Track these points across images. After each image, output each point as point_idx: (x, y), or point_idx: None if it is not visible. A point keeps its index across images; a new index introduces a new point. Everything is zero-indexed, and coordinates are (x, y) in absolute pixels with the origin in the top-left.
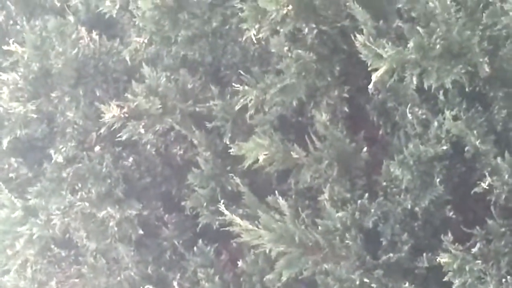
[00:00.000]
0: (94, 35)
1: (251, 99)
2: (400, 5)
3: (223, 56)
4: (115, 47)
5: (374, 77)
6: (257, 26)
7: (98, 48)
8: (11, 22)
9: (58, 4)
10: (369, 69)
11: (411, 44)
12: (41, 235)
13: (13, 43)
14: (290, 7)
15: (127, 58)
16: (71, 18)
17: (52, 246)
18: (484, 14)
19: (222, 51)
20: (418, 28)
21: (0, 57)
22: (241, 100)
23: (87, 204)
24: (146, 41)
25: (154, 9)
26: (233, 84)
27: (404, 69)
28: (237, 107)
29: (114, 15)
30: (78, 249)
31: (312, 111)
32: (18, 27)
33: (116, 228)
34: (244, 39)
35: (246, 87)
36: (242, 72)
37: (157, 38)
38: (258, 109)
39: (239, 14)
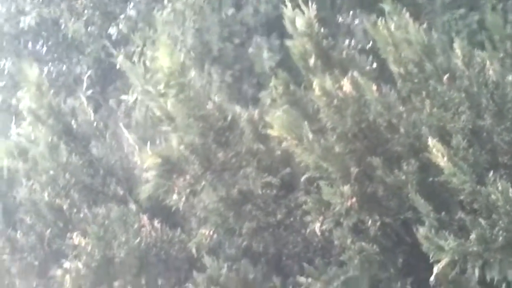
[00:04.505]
0: (156, 223)
1: None
2: (462, 197)
3: (285, 246)
4: (177, 236)
5: (436, 269)
6: (321, 218)
7: (160, 237)
8: (74, 210)
9: (121, 192)
10: (431, 261)
11: (473, 236)
12: None
13: (76, 236)
14: (354, 199)
15: (194, 251)
16: (133, 206)
17: None
18: None
19: (284, 242)
20: (480, 220)
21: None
22: None
23: None
24: (211, 233)
25: (219, 201)
26: (296, 275)
27: (466, 261)
28: None
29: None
30: None
31: None
32: (81, 215)
33: None
34: (307, 231)
35: (310, 279)
36: (305, 264)
37: (221, 230)
38: None
39: (303, 206)
